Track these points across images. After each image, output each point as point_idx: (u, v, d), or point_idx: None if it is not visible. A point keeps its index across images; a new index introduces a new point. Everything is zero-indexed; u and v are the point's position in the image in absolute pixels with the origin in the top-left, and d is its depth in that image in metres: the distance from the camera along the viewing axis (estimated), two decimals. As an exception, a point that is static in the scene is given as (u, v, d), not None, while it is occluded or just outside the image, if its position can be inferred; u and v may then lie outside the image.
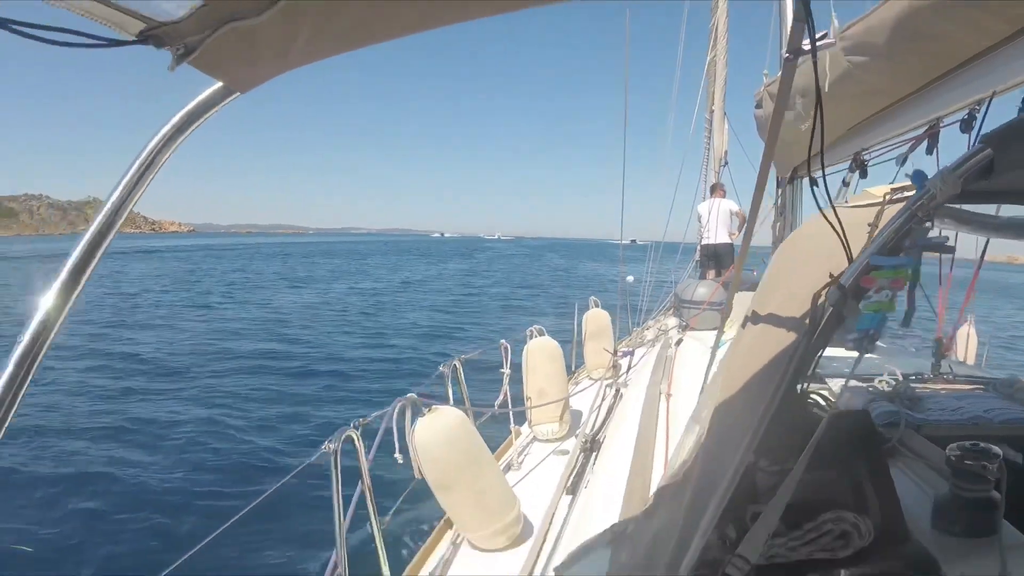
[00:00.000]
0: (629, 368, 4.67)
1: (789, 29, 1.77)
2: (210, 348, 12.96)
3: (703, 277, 7.38)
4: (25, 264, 45.91)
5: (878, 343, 1.06)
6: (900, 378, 2.08)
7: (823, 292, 1.07)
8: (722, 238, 7.71)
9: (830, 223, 1.05)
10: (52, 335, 0.84)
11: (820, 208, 1.12)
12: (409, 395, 2.57)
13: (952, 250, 1.21)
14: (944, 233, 2.03)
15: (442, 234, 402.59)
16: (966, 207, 1.73)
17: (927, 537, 1.28)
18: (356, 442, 2.24)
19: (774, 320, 1.26)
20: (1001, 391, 2.07)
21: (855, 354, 1.05)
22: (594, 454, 3.10)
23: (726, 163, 8.47)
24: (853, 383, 2.11)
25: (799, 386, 1.19)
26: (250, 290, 26.82)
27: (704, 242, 7.84)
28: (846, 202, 2.00)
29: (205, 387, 9.71)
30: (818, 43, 1.16)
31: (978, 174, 1.11)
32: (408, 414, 2.50)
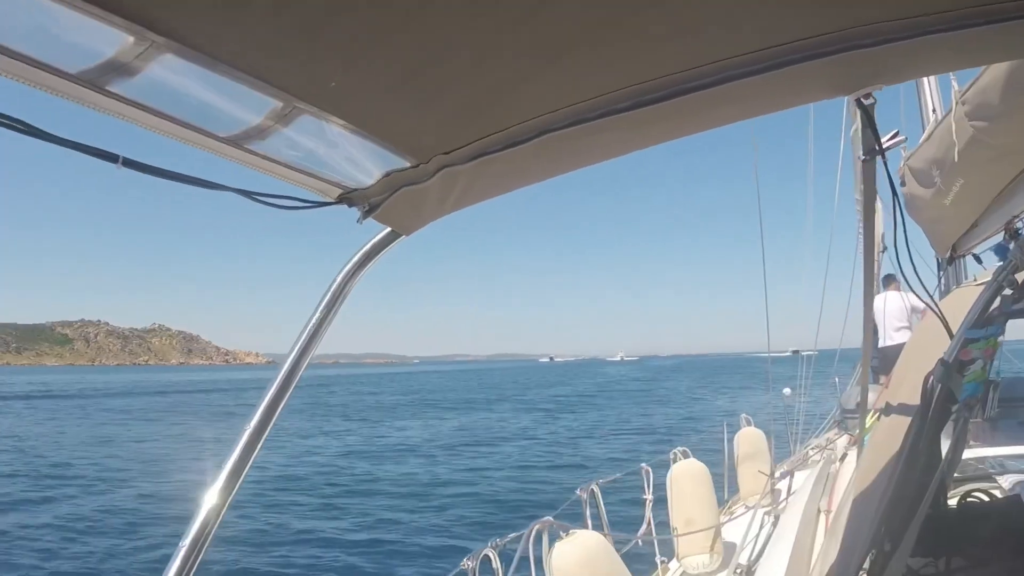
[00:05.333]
0: (790, 491, 4.43)
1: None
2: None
3: (876, 383, 6.87)
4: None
5: None
6: None
7: (931, 373, 1.20)
8: (893, 339, 7.18)
9: (928, 305, 1.17)
10: (257, 449, 1.14)
11: (917, 293, 1.24)
12: (545, 518, 2.70)
13: None
14: None
15: (551, 358, 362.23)
16: None
17: None
18: (493, 562, 2.41)
19: (898, 409, 1.36)
20: None
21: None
22: None
23: (884, 248, 8.10)
24: None
25: (948, 485, 1.24)
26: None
27: (880, 344, 7.28)
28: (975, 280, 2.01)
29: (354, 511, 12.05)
30: (890, 142, 1.36)
31: None
32: (545, 538, 2.63)
